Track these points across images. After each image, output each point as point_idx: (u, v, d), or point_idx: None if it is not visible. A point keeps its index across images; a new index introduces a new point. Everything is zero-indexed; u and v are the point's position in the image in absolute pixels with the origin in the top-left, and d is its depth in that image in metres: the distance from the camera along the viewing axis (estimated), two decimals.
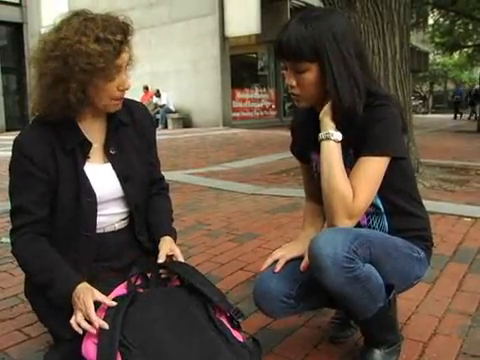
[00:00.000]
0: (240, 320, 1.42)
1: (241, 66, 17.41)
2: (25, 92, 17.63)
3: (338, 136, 1.45)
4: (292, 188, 4.81)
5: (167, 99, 15.14)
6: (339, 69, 1.39)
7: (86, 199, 1.53)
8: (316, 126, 1.51)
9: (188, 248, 2.93)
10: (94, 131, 1.57)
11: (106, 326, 1.30)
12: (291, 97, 1.51)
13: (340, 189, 1.41)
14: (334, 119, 1.47)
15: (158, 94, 15.20)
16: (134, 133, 1.66)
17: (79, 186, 1.52)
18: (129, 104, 1.66)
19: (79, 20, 1.42)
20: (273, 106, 18.04)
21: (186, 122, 15.30)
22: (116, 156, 1.60)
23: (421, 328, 1.86)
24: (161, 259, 1.54)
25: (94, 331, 1.30)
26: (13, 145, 1.51)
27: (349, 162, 1.48)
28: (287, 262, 1.56)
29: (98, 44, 1.38)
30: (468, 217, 3.52)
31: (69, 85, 1.41)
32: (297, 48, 1.38)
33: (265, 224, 3.50)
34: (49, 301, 1.47)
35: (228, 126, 14.59)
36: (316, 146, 1.51)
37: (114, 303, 1.37)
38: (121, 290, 1.47)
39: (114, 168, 1.59)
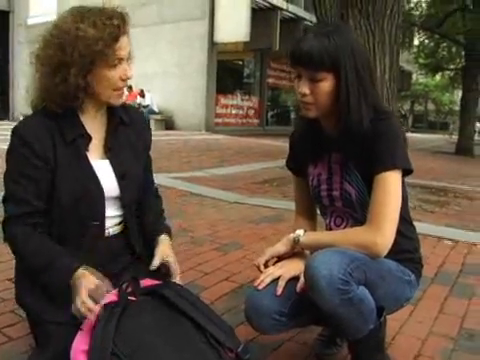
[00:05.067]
0: (248, 356, 1.38)
1: (227, 72, 17.42)
2: (7, 81, 17.40)
3: (299, 233, 1.57)
4: (275, 199, 4.82)
5: (151, 99, 15.06)
6: (352, 81, 1.44)
7: (92, 186, 1.53)
8: (316, 139, 1.58)
9: None
10: (95, 127, 1.58)
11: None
12: (300, 106, 1.53)
13: (355, 246, 1.44)
14: (336, 128, 1.51)
15: (142, 94, 15.10)
16: (133, 133, 1.68)
17: (84, 175, 1.52)
18: (126, 106, 1.70)
19: (77, 11, 1.46)
20: (256, 114, 18.09)
21: (168, 124, 15.23)
22: (114, 153, 1.60)
23: (405, 349, 1.88)
24: (154, 266, 1.55)
25: (92, 317, 1.32)
26: (12, 133, 1.49)
27: (348, 175, 1.53)
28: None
29: (96, 29, 1.41)
30: (448, 239, 3.58)
31: (69, 70, 1.41)
32: (319, 58, 1.41)
33: (249, 234, 3.50)
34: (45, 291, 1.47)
35: (210, 131, 14.57)
36: (314, 159, 1.57)
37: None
38: (112, 297, 1.44)
39: (112, 165, 1.59)
